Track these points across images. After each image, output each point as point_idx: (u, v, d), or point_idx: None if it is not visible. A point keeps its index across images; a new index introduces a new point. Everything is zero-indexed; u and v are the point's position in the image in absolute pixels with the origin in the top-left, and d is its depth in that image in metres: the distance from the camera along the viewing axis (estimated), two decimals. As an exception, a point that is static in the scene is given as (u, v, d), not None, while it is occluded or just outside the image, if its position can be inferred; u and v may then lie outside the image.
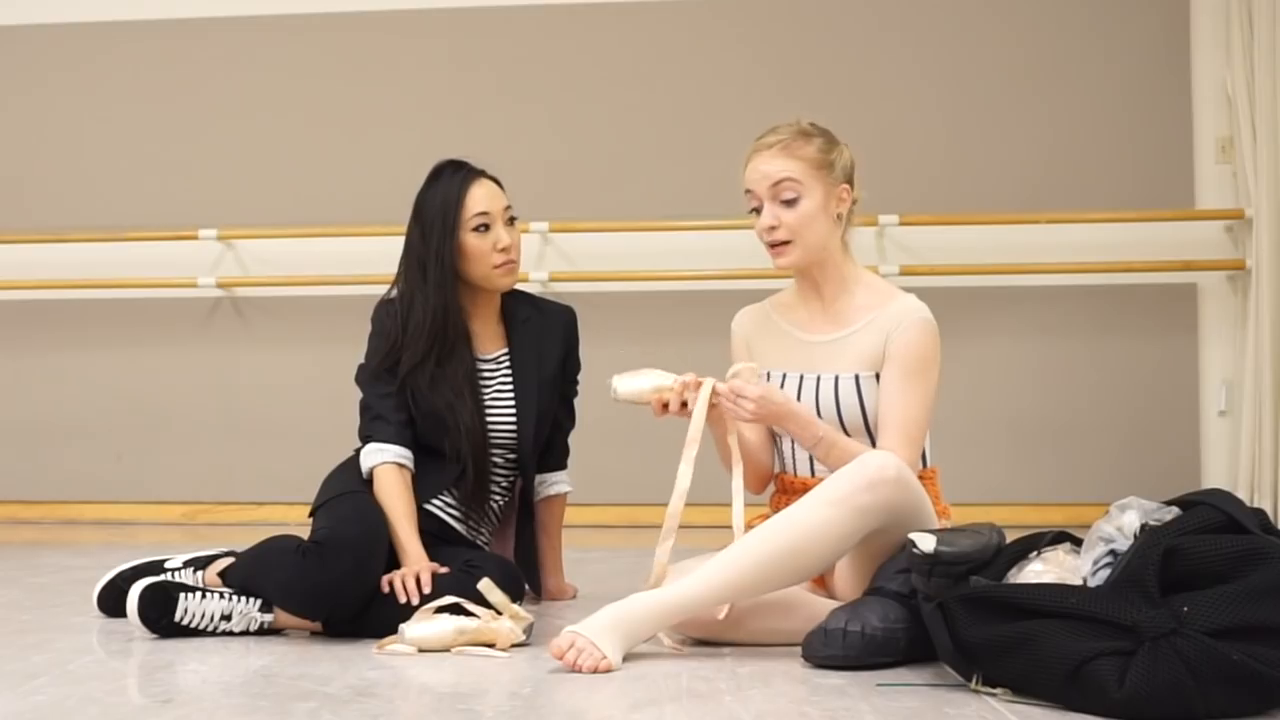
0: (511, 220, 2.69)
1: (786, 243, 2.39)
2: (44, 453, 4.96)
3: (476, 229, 2.63)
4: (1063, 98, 4.68)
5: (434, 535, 2.57)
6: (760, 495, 2.56)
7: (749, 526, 2.40)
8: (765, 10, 4.82)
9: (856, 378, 2.37)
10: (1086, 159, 4.65)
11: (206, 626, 2.39)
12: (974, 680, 1.89)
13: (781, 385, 2.44)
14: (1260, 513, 1.90)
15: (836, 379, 2.38)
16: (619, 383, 2.35)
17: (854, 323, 2.41)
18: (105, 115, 5.01)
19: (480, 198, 2.65)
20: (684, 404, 2.31)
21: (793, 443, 2.44)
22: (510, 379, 2.71)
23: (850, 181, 2.43)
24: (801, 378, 2.42)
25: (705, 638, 2.29)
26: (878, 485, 2.11)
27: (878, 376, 2.37)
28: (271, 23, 4.97)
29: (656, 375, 2.34)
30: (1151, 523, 1.86)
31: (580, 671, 2.04)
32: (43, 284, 4.95)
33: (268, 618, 2.41)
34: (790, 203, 2.38)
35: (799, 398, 2.40)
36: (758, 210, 2.42)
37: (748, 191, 2.43)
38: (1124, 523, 1.89)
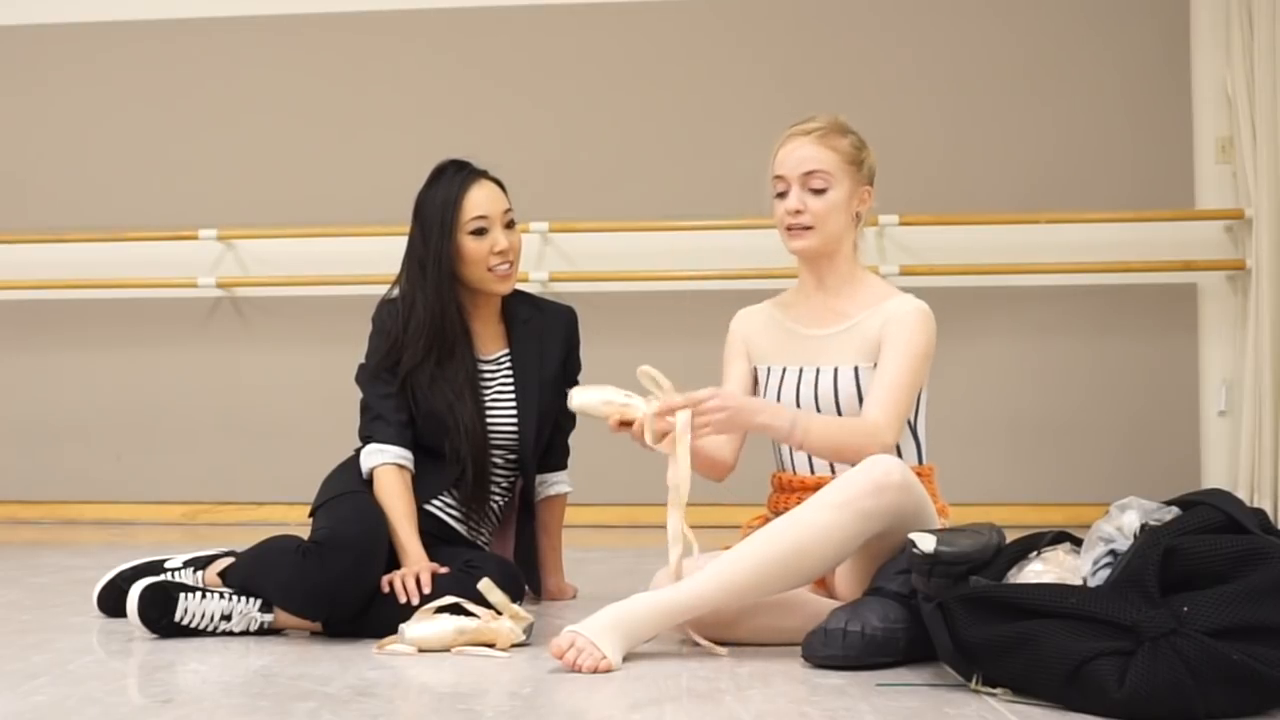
0: (511, 224, 2.68)
1: (808, 228, 2.40)
2: (44, 453, 4.97)
3: (474, 232, 2.62)
4: (1063, 98, 4.68)
5: (434, 535, 2.57)
6: (720, 482, 2.55)
7: (749, 527, 2.41)
8: (765, 10, 4.82)
9: (856, 370, 2.39)
10: (1086, 159, 4.65)
11: (206, 626, 2.38)
12: (974, 680, 1.89)
13: (780, 379, 2.45)
14: (1260, 513, 1.90)
15: (836, 370, 2.40)
16: (574, 393, 2.33)
17: (853, 317, 2.43)
18: (105, 115, 5.01)
19: (479, 200, 2.64)
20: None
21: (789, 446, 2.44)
22: (511, 379, 2.71)
23: (871, 184, 2.47)
24: (801, 370, 2.43)
25: (706, 638, 2.29)
26: (883, 489, 2.11)
27: (875, 369, 2.38)
28: (271, 23, 4.97)
29: (609, 391, 2.29)
30: (1151, 523, 1.86)
31: (580, 671, 2.04)
32: (43, 284, 4.96)
33: (268, 618, 2.40)
34: (819, 192, 2.40)
35: (798, 390, 2.42)
36: (782, 195, 2.43)
37: (778, 176, 2.43)
38: (1124, 523, 1.89)
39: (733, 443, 2.52)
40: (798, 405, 2.41)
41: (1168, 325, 4.63)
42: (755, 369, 2.54)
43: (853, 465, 2.19)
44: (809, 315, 2.49)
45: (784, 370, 2.46)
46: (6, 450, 4.99)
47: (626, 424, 2.26)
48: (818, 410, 2.40)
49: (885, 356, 2.36)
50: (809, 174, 2.40)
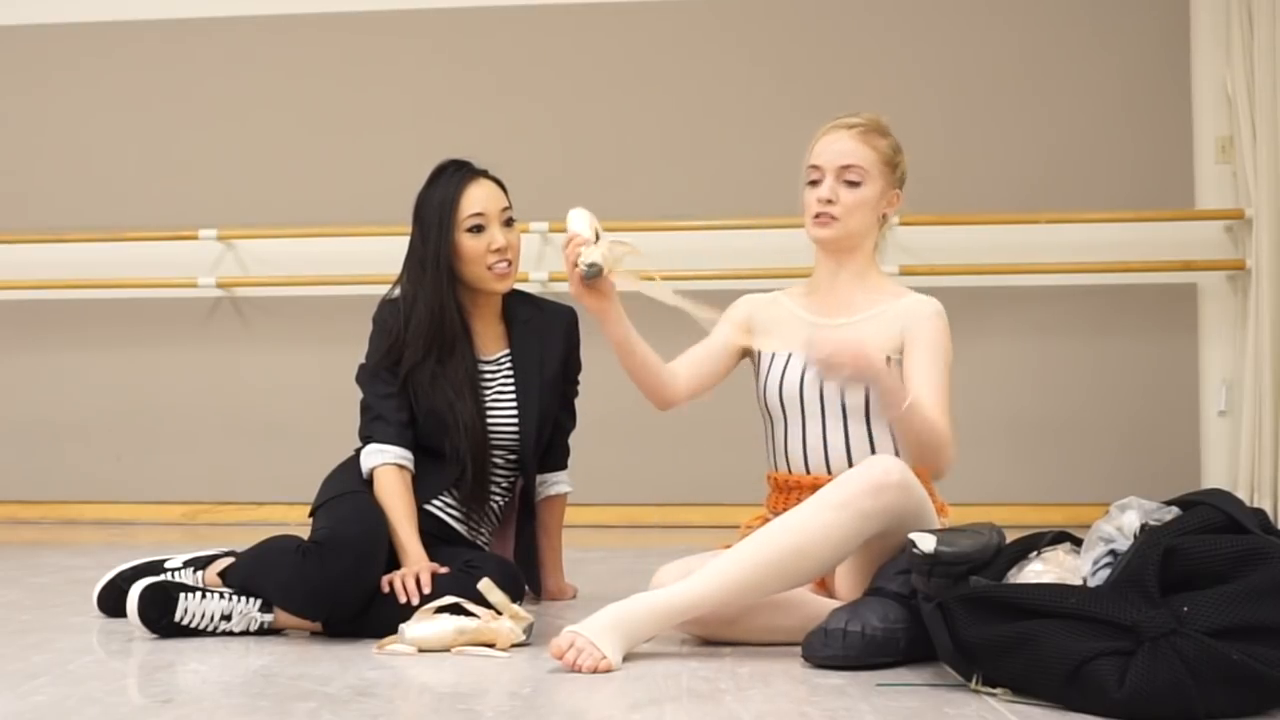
0: (509, 221, 2.69)
1: (834, 218, 2.42)
2: (44, 453, 4.97)
3: (471, 229, 2.63)
4: (1063, 98, 4.68)
5: (434, 535, 2.57)
6: (662, 410, 2.54)
7: (748, 527, 2.40)
8: (765, 10, 4.82)
9: None
10: (1086, 159, 4.65)
11: (206, 626, 2.38)
12: (974, 680, 1.89)
13: (785, 364, 2.45)
14: (1260, 513, 1.90)
15: None
16: (571, 212, 2.40)
17: (864, 310, 2.45)
18: (105, 115, 5.01)
19: (477, 198, 2.64)
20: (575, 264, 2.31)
21: (785, 438, 2.44)
22: (512, 379, 2.71)
23: (901, 188, 2.50)
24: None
25: (705, 636, 2.29)
26: (883, 490, 2.11)
27: (885, 362, 2.38)
28: (271, 23, 4.97)
29: (588, 222, 2.37)
30: (1151, 523, 1.86)
31: (580, 671, 2.04)
32: (43, 284, 4.96)
33: (268, 618, 2.40)
34: (852, 184, 2.42)
35: (802, 377, 2.43)
36: (815, 183, 2.45)
37: (813, 166, 2.45)
38: (1124, 523, 1.89)
39: (692, 382, 2.50)
40: (800, 390, 2.42)
41: (1168, 325, 4.63)
42: (759, 353, 2.53)
43: (921, 464, 2.26)
44: (819, 306, 2.51)
45: (789, 356, 2.46)
46: (6, 450, 4.99)
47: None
48: (820, 397, 2.40)
49: (921, 359, 2.37)
50: (846, 167, 2.42)
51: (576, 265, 2.31)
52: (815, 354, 2.15)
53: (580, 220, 2.37)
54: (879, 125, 2.48)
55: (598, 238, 2.35)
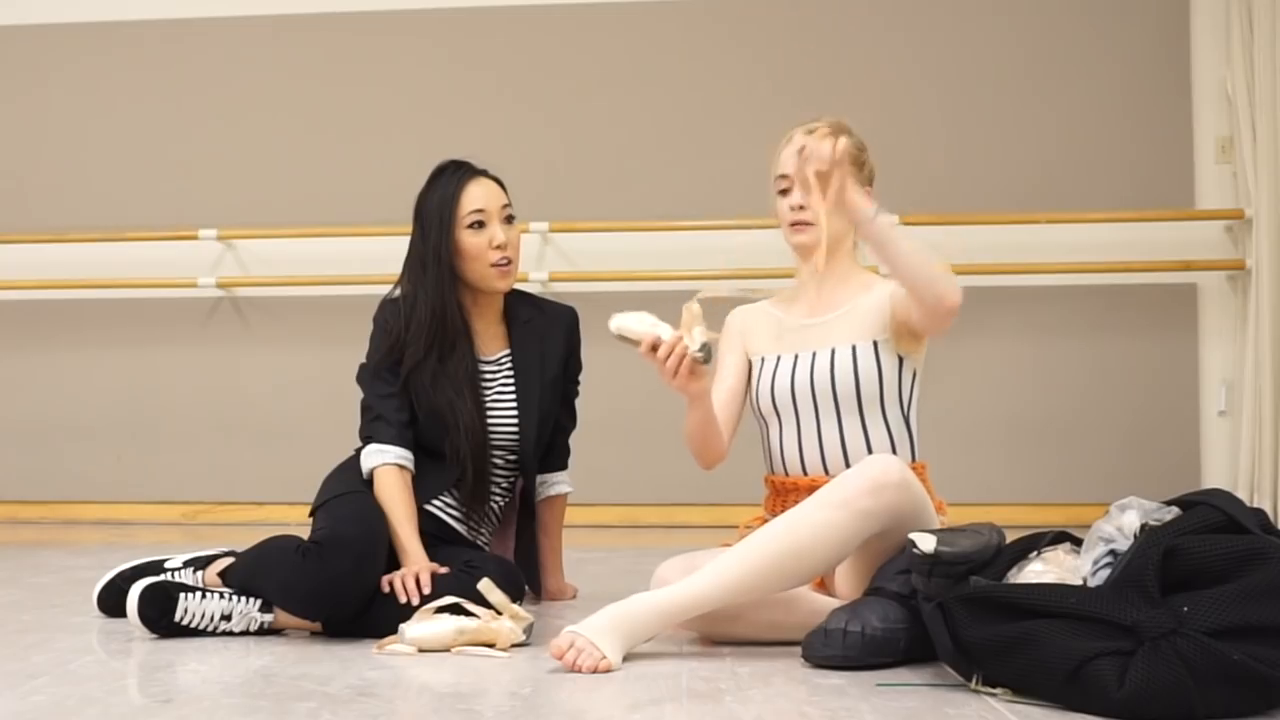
0: (510, 219, 2.69)
1: (810, 224, 2.42)
2: (44, 453, 4.97)
3: (471, 226, 2.63)
4: (1063, 98, 4.68)
5: (434, 536, 2.57)
6: (708, 469, 2.54)
7: (747, 527, 2.40)
8: (765, 10, 4.82)
9: (853, 348, 2.40)
10: (1086, 159, 4.65)
11: (206, 626, 2.38)
12: (974, 680, 1.89)
13: (775, 366, 2.46)
14: (1260, 513, 1.90)
15: (833, 351, 2.41)
16: (615, 319, 2.33)
17: (847, 304, 2.46)
18: (105, 115, 5.01)
19: (477, 195, 2.65)
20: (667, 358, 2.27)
21: (781, 440, 2.44)
22: (512, 380, 2.71)
23: (871, 185, 2.50)
24: (796, 357, 2.44)
25: (706, 634, 2.29)
26: (882, 489, 2.11)
27: (875, 346, 2.39)
28: (271, 23, 4.98)
29: (651, 320, 2.31)
30: (1151, 523, 1.86)
31: (580, 671, 2.04)
32: (43, 284, 4.96)
33: (268, 618, 2.41)
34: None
35: (793, 376, 2.43)
36: (785, 192, 2.46)
37: (782, 175, 2.46)
38: (1124, 523, 1.89)
39: (730, 431, 2.51)
40: (792, 390, 2.42)
41: (1168, 325, 4.63)
42: (750, 362, 2.54)
43: (928, 293, 2.17)
44: (804, 308, 2.51)
45: (779, 358, 2.47)
46: (6, 450, 4.99)
47: (655, 349, 2.26)
48: (812, 394, 2.40)
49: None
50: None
51: (684, 359, 2.24)
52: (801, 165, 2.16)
53: (643, 320, 2.31)
54: (840, 127, 2.47)
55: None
